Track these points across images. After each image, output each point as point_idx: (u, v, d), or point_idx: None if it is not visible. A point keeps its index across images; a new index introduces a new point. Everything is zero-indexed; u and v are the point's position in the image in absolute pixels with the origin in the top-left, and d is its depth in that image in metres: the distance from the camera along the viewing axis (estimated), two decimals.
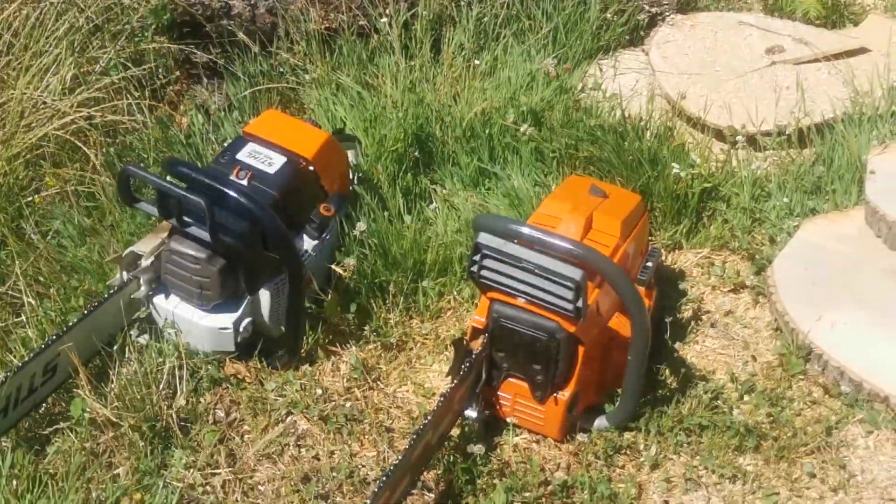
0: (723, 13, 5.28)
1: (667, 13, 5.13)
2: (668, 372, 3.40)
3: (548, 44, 4.62)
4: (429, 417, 2.93)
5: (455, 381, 3.06)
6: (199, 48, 4.35)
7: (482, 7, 4.72)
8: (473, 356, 3.13)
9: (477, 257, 3.00)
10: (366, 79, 4.45)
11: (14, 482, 2.89)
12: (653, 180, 3.91)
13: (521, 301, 3.04)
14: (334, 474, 3.11)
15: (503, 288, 3.02)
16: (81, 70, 3.92)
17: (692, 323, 3.64)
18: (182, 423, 3.20)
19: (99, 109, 3.73)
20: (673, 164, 3.91)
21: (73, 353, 3.08)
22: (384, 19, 4.55)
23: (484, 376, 3.20)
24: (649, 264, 3.40)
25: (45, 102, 3.71)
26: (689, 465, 3.16)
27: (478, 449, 3.09)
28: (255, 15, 4.44)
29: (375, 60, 4.54)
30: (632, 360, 3.08)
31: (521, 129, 4.09)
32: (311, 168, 3.53)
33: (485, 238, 2.97)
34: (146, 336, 3.40)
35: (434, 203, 4.01)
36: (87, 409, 3.14)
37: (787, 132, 4.25)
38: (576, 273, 2.87)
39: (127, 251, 3.36)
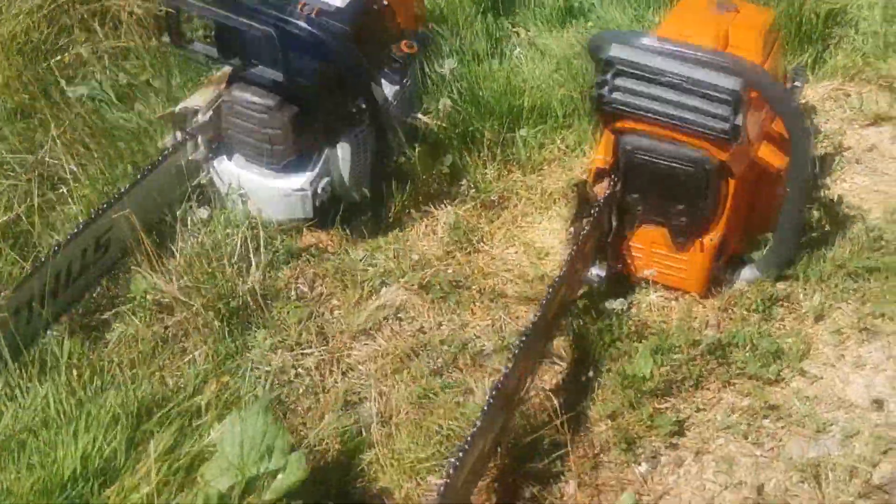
0: None
1: None
2: (818, 213, 2.90)
3: None
4: (562, 271, 2.45)
5: (583, 231, 2.57)
6: None
7: None
8: (601, 201, 2.65)
9: (608, 76, 2.48)
10: None
11: (75, 372, 2.43)
12: (772, 3, 3.37)
13: (660, 129, 2.53)
14: (445, 347, 2.65)
15: (641, 112, 2.50)
16: None
17: (835, 160, 3.14)
18: (262, 301, 2.74)
19: None
20: None
21: (131, 221, 2.60)
22: None
23: (614, 224, 2.72)
24: (797, 84, 2.89)
25: None
26: (861, 314, 2.69)
27: (619, 304, 2.62)
28: None
29: None
30: (791, 191, 2.59)
31: None
32: (385, 2, 3.01)
33: (618, 51, 2.45)
34: (206, 208, 2.91)
35: (518, 49, 3.47)
36: (150, 289, 2.68)
37: None
38: (735, 83, 2.36)
39: (179, 106, 2.87)
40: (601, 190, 2.69)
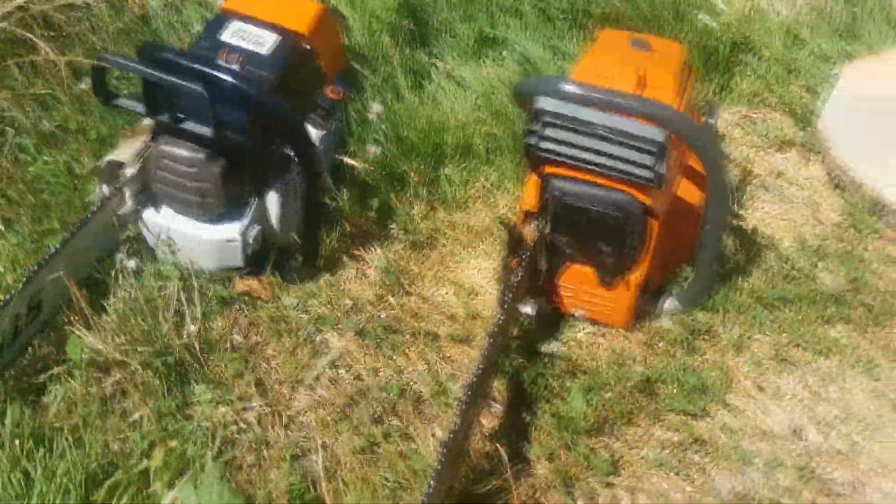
0: None
1: None
2: (733, 244, 3.04)
3: None
4: (500, 317, 2.53)
5: (514, 274, 2.66)
6: None
7: None
8: (530, 244, 2.73)
9: (537, 126, 2.57)
10: None
11: (17, 442, 2.41)
12: (679, 34, 3.50)
13: (587, 175, 2.62)
14: (384, 395, 2.71)
15: (569, 160, 2.59)
16: None
17: (744, 188, 3.28)
18: (199, 354, 2.75)
19: None
20: (699, 14, 3.51)
21: (67, 281, 2.58)
22: None
23: (543, 265, 2.80)
24: (711, 121, 3.01)
25: None
26: (778, 344, 2.84)
27: (554, 346, 2.72)
28: None
29: None
30: (709, 226, 2.72)
31: None
32: (308, 46, 3.03)
33: (547, 103, 2.53)
34: (135, 260, 2.88)
35: (436, 80, 3.51)
36: (86, 350, 2.66)
37: None
38: (658, 134, 2.46)
39: (105, 160, 2.84)
40: (528, 232, 2.77)
